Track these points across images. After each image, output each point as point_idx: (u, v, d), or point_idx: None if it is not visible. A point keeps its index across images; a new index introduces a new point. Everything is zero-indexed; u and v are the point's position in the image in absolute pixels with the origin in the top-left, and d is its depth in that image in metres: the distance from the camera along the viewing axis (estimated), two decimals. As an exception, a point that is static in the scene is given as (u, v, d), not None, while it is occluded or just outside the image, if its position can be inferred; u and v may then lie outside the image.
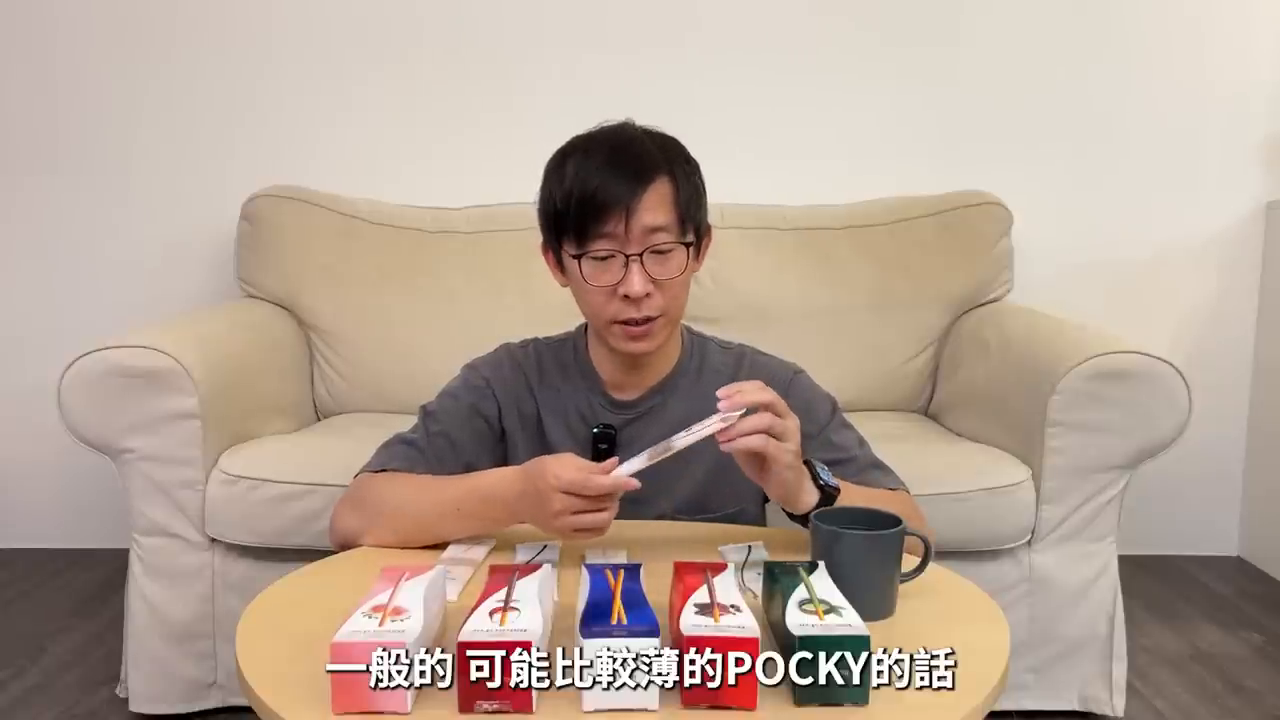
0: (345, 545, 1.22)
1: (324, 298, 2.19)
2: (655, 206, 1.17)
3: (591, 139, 1.22)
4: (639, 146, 1.21)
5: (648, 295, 1.18)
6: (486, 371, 1.32)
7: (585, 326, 1.34)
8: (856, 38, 2.46)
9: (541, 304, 2.10)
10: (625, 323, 1.21)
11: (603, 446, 1.29)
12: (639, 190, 1.17)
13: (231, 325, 2.01)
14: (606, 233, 1.17)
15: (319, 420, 2.18)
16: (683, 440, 1.04)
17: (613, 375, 1.31)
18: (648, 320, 1.20)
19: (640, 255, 1.17)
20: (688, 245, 1.21)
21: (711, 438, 1.04)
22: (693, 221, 1.22)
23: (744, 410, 1.04)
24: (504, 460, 1.32)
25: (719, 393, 1.05)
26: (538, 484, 1.07)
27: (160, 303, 2.35)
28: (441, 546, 1.16)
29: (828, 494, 1.13)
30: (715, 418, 1.04)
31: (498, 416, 1.31)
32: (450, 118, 2.46)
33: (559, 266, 1.26)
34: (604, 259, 1.18)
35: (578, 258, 1.19)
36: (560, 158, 1.23)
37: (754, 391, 1.06)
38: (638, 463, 1.06)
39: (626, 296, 1.18)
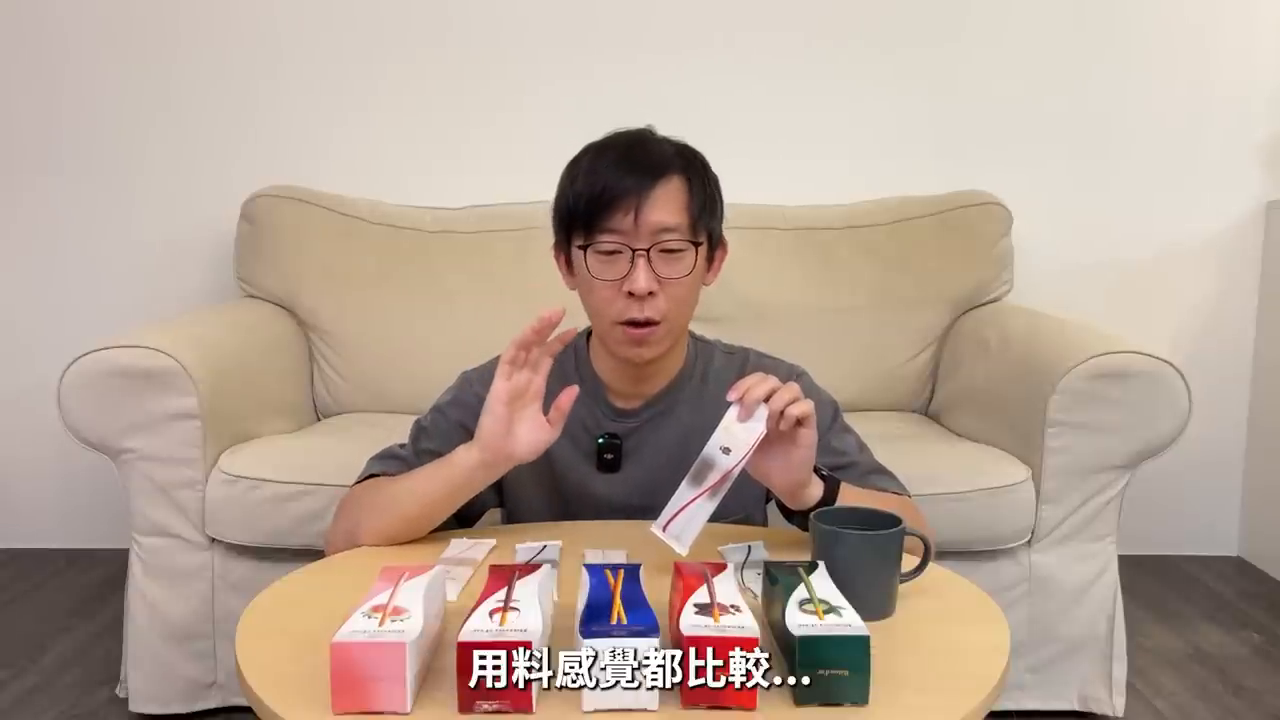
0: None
1: (324, 298, 2.18)
2: (666, 205, 1.17)
3: (609, 140, 1.22)
4: (655, 147, 1.21)
5: (651, 294, 1.17)
6: (479, 387, 1.26)
7: (587, 334, 1.32)
8: (856, 38, 2.46)
9: (541, 305, 2.10)
10: (628, 324, 1.19)
11: (608, 456, 1.28)
12: (649, 186, 1.16)
13: (231, 325, 2.01)
14: (615, 227, 1.16)
15: (319, 420, 2.18)
16: (734, 461, 1.04)
17: (616, 383, 1.30)
18: (650, 323, 1.19)
19: (648, 251, 1.16)
20: (697, 245, 1.19)
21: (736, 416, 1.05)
22: (705, 226, 1.21)
23: (764, 411, 1.04)
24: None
25: (729, 396, 1.05)
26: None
27: (160, 303, 2.35)
28: (441, 545, 1.17)
29: (829, 486, 1.13)
30: (750, 428, 1.04)
31: None
32: (450, 118, 2.46)
33: (568, 267, 1.25)
34: (611, 253, 1.17)
35: (584, 248, 1.18)
36: (577, 157, 1.23)
37: (762, 384, 1.05)
38: (688, 493, 1.05)
39: (631, 294, 1.17)
